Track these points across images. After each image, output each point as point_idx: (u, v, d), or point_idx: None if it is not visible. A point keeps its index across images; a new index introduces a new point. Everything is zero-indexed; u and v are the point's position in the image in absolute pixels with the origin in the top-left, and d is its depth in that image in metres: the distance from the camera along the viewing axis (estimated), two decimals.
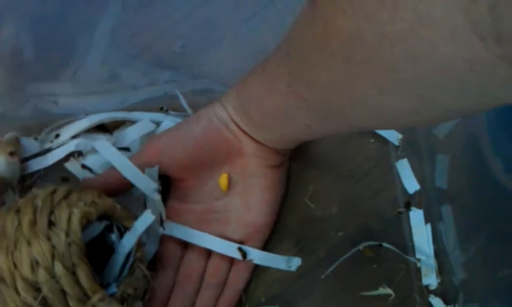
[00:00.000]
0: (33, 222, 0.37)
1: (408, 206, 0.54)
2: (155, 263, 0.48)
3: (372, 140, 0.56)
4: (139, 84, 0.54)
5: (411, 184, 0.55)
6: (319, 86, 0.35)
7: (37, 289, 0.36)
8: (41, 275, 0.36)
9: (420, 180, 0.55)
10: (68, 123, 0.51)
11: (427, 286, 0.52)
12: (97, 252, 0.41)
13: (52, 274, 0.36)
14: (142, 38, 0.52)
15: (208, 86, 0.55)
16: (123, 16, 0.51)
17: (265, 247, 0.51)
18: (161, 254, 0.48)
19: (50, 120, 0.51)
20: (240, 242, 0.48)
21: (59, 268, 0.36)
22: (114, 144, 0.48)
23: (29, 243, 0.36)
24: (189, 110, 0.53)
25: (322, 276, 0.51)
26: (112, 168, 0.46)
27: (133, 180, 0.46)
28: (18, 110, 0.52)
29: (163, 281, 0.48)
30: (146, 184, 0.46)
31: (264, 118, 0.44)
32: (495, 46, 0.22)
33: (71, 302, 0.36)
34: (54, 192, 0.40)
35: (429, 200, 0.55)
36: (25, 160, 0.49)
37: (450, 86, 0.27)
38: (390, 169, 0.56)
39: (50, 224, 0.37)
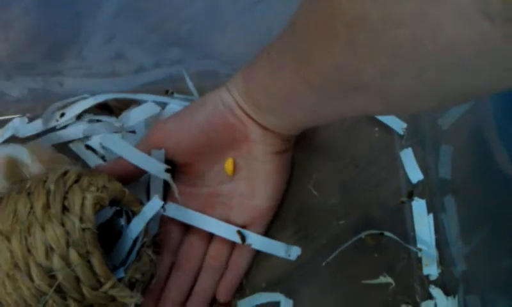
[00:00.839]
0: (46, 207, 0.37)
1: (410, 195, 0.54)
2: (155, 245, 0.48)
3: (377, 128, 0.56)
4: (145, 66, 0.54)
5: (415, 174, 0.55)
6: (324, 69, 0.35)
7: (51, 276, 0.36)
8: (56, 262, 0.35)
9: (424, 170, 0.55)
10: (73, 102, 0.50)
11: (427, 276, 0.52)
12: (105, 235, 0.41)
13: (67, 261, 0.36)
14: (148, 20, 0.52)
15: (214, 68, 0.55)
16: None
17: (268, 233, 0.51)
18: (161, 236, 0.48)
19: (55, 100, 0.51)
20: (244, 226, 0.49)
21: (74, 255, 0.36)
22: (121, 127, 0.48)
23: (43, 228, 0.36)
24: (195, 93, 0.53)
25: (324, 264, 0.51)
26: (119, 157, 0.46)
27: (141, 165, 0.46)
28: (23, 90, 0.52)
29: (161, 262, 0.48)
30: (155, 166, 0.46)
31: (270, 103, 0.44)
32: (503, 25, 0.22)
33: (84, 289, 0.36)
34: (64, 174, 0.39)
35: (432, 190, 0.54)
36: (28, 139, 0.49)
37: (456, 69, 0.27)
38: (394, 159, 0.55)
39: (64, 209, 0.37)
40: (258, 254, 0.50)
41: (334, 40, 0.32)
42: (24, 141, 0.50)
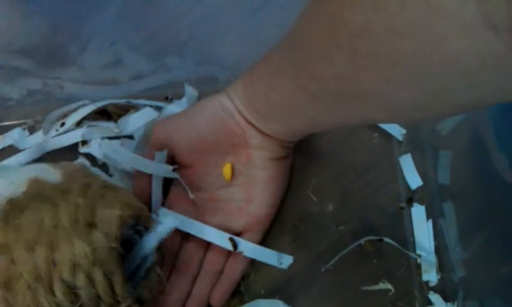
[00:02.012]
0: (74, 220, 0.36)
1: (410, 201, 0.54)
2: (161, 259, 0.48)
3: (376, 134, 0.56)
4: (144, 72, 0.54)
5: (414, 180, 0.55)
6: (324, 79, 0.35)
7: (74, 292, 0.34)
8: (81, 279, 0.34)
9: (423, 176, 0.55)
10: (72, 111, 0.51)
11: (427, 283, 0.52)
12: None
13: (90, 279, 0.35)
14: (148, 26, 0.52)
15: (213, 74, 0.55)
16: (130, 6, 0.51)
17: (266, 239, 0.51)
18: (165, 248, 0.48)
19: (55, 107, 0.51)
20: (241, 232, 0.49)
21: (98, 274, 0.35)
22: (119, 133, 0.48)
23: (71, 243, 0.35)
24: (194, 99, 0.53)
25: (323, 269, 0.51)
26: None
27: (148, 170, 0.46)
28: (23, 94, 0.52)
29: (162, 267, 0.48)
30: (162, 169, 0.46)
31: (270, 110, 0.44)
32: (508, 37, 0.22)
33: (102, 305, 0.35)
34: (88, 186, 0.38)
35: (431, 196, 0.54)
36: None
37: (460, 80, 0.27)
38: (393, 164, 0.55)
39: (91, 224, 0.36)
40: (256, 261, 0.50)
41: (336, 50, 0.32)
42: (52, 157, 0.50)
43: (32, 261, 0.34)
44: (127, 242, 0.39)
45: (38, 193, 0.38)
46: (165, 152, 0.47)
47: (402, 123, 0.55)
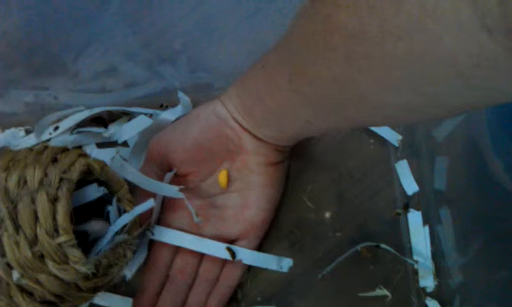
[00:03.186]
0: (40, 153, 0.39)
1: (406, 207, 0.54)
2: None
3: (372, 140, 0.56)
4: (139, 79, 0.54)
5: (410, 186, 0.55)
6: (320, 82, 0.35)
7: (12, 201, 0.37)
8: (23, 191, 0.37)
9: (419, 182, 0.55)
10: (66, 116, 0.50)
11: (424, 288, 0.52)
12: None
13: (32, 196, 0.37)
14: (142, 33, 0.52)
15: (208, 81, 0.55)
16: (124, 14, 0.51)
17: (263, 245, 0.50)
18: (153, 257, 0.48)
19: (50, 114, 0.51)
20: (238, 238, 0.48)
21: (42, 194, 0.37)
22: (109, 138, 0.48)
23: (25, 166, 0.38)
24: (189, 106, 0.53)
25: (320, 276, 0.51)
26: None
27: (154, 190, 0.46)
28: (17, 105, 0.52)
29: (154, 277, 0.48)
30: (168, 189, 0.46)
31: (264, 115, 0.44)
32: (503, 39, 0.22)
33: (39, 230, 0.36)
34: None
35: (427, 202, 0.54)
36: None
37: (455, 82, 0.27)
38: (389, 170, 0.55)
39: (55, 160, 0.39)
40: (253, 268, 0.50)
41: (331, 53, 0.32)
42: None
43: None
44: (99, 207, 0.43)
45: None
46: (173, 173, 0.47)
47: (397, 125, 0.55)
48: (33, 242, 0.36)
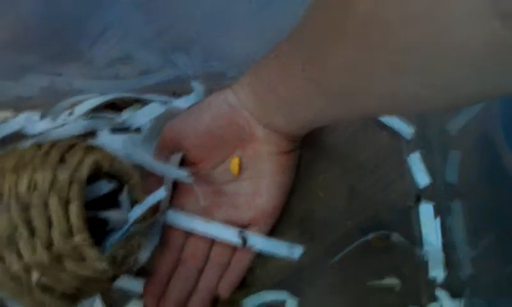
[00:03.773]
0: (47, 154, 0.39)
1: (418, 199, 0.54)
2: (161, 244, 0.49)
3: (385, 132, 0.56)
4: (153, 67, 0.54)
5: (422, 178, 0.55)
6: (333, 69, 0.35)
7: (26, 208, 0.37)
8: (34, 197, 0.37)
9: (431, 174, 0.55)
10: (80, 101, 0.51)
11: (434, 279, 0.52)
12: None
13: (44, 200, 0.37)
14: (157, 21, 0.52)
15: (221, 70, 0.55)
16: (139, 1, 0.51)
17: (274, 234, 0.51)
18: (165, 240, 0.49)
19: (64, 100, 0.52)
20: (248, 225, 0.49)
21: (54, 197, 0.37)
22: (122, 124, 0.49)
23: (34, 169, 0.38)
24: (202, 95, 0.53)
25: (330, 264, 0.51)
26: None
27: (163, 173, 0.47)
28: (32, 89, 0.53)
29: (166, 260, 0.48)
30: (177, 173, 0.47)
31: (277, 104, 0.44)
32: None
33: (54, 233, 0.37)
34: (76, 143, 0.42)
35: (439, 194, 0.54)
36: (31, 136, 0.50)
37: (467, 69, 0.27)
38: (401, 162, 0.55)
39: (62, 160, 0.39)
40: (264, 254, 0.50)
41: (346, 40, 0.32)
42: None
43: (2, 182, 0.38)
44: (111, 200, 0.43)
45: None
46: (180, 155, 0.48)
47: (407, 114, 0.55)
48: (49, 244, 0.37)
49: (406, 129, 0.56)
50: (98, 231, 0.41)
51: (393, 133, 0.56)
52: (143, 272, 0.48)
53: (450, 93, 0.31)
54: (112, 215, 0.42)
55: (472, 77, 0.28)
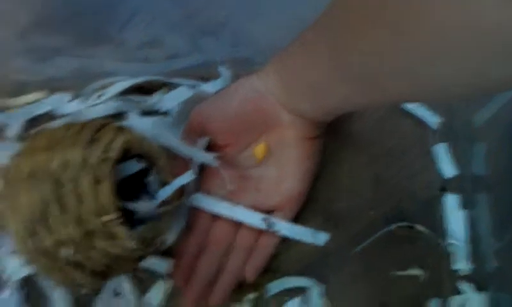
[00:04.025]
0: (78, 133, 0.40)
1: (443, 190, 0.54)
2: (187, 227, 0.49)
3: (411, 121, 0.55)
4: (181, 51, 0.54)
5: (448, 169, 0.54)
6: (361, 56, 0.35)
7: (58, 186, 0.38)
8: (65, 174, 0.37)
9: (457, 165, 0.54)
10: (111, 83, 0.52)
11: (457, 271, 0.51)
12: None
13: (75, 178, 0.37)
14: (186, 6, 0.52)
15: (249, 55, 0.55)
16: None
17: (298, 220, 0.51)
18: (192, 222, 0.49)
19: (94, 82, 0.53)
20: (273, 211, 0.49)
21: (85, 176, 0.37)
22: (152, 106, 0.49)
23: (65, 148, 0.38)
24: (229, 80, 0.53)
25: (353, 253, 0.51)
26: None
27: (191, 155, 0.47)
28: (64, 71, 0.54)
29: (193, 242, 0.49)
30: (203, 156, 0.47)
31: (303, 91, 0.44)
32: None
33: (84, 211, 0.37)
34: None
35: (465, 186, 0.54)
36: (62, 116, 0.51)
37: (498, 56, 0.27)
38: (427, 152, 0.55)
39: (93, 140, 0.39)
40: (288, 240, 0.51)
41: (376, 26, 0.32)
42: None
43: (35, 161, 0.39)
44: (139, 182, 0.43)
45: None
46: (207, 139, 0.48)
47: (433, 101, 0.55)
48: (79, 222, 0.37)
49: (432, 118, 0.55)
50: (128, 213, 0.41)
51: (419, 122, 0.56)
52: (171, 253, 0.49)
53: (481, 77, 0.31)
54: (140, 206, 0.42)
55: (502, 63, 0.28)
